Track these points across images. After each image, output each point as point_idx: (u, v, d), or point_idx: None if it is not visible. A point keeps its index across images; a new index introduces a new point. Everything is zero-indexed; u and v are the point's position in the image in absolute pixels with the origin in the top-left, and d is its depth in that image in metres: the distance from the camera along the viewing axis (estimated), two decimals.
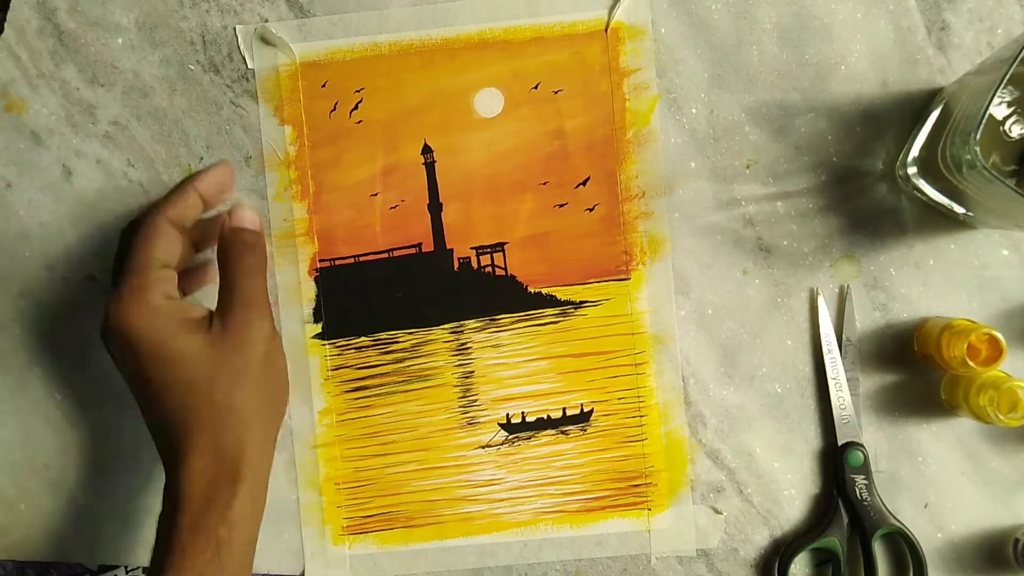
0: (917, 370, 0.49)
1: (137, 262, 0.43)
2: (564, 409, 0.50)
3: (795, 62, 0.49)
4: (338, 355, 0.50)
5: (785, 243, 0.49)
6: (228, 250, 0.44)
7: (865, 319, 0.49)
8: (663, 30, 0.49)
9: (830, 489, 0.50)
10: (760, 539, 0.50)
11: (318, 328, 0.50)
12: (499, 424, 0.50)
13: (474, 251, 0.50)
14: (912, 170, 0.47)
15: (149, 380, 0.41)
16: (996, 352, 0.45)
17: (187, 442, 0.40)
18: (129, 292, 0.42)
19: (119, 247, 0.49)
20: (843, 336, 0.49)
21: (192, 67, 0.50)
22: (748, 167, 0.49)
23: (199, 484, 0.40)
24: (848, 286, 0.49)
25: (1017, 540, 0.48)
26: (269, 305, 0.44)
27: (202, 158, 0.50)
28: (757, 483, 0.50)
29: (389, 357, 0.50)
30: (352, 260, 0.50)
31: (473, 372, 0.50)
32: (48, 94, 0.50)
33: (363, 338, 0.50)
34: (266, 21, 0.49)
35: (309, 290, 0.50)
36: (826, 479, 0.50)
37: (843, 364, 0.49)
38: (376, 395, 0.51)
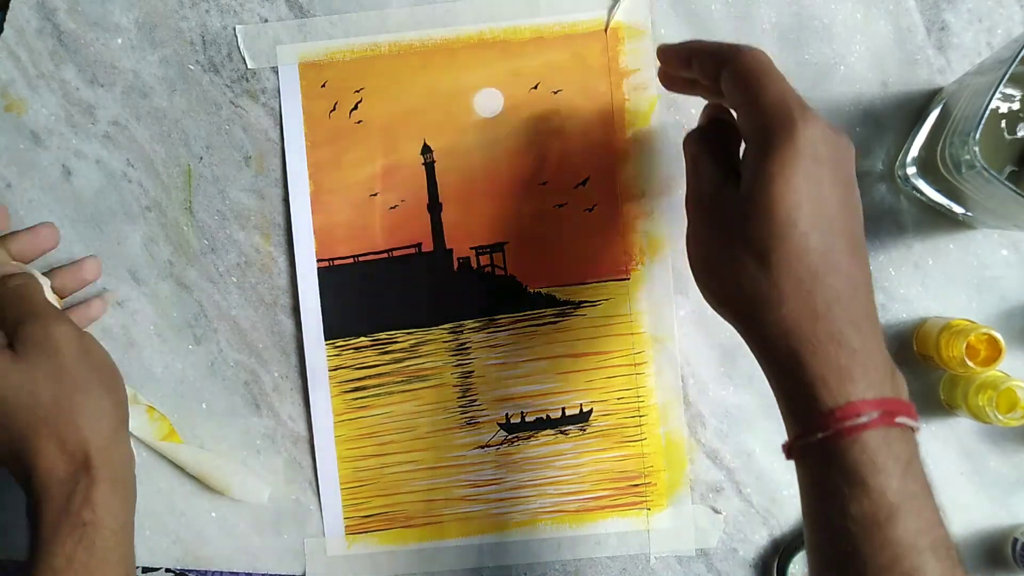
0: (916, 370, 0.49)
1: None
2: (563, 409, 0.50)
3: (795, 62, 0.49)
4: (337, 355, 0.50)
5: None
6: None
7: None
8: (663, 30, 0.49)
9: None
10: (759, 539, 0.50)
11: None
12: (498, 424, 0.50)
13: (473, 251, 0.50)
14: (911, 170, 0.47)
15: None
16: (995, 352, 0.45)
17: (31, 450, 0.40)
18: None
19: None
20: None
21: (192, 67, 0.50)
22: None
23: (54, 480, 0.40)
24: None
25: (1016, 540, 0.48)
26: (61, 312, 0.44)
27: (201, 158, 0.50)
28: (756, 483, 0.50)
29: (388, 357, 0.50)
30: (351, 260, 0.50)
31: (472, 372, 0.50)
32: (48, 94, 0.50)
33: (362, 338, 0.50)
34: (266, 21, 0.49)
35: None
36: None
37: None
38: (375, 395, 0.51)
